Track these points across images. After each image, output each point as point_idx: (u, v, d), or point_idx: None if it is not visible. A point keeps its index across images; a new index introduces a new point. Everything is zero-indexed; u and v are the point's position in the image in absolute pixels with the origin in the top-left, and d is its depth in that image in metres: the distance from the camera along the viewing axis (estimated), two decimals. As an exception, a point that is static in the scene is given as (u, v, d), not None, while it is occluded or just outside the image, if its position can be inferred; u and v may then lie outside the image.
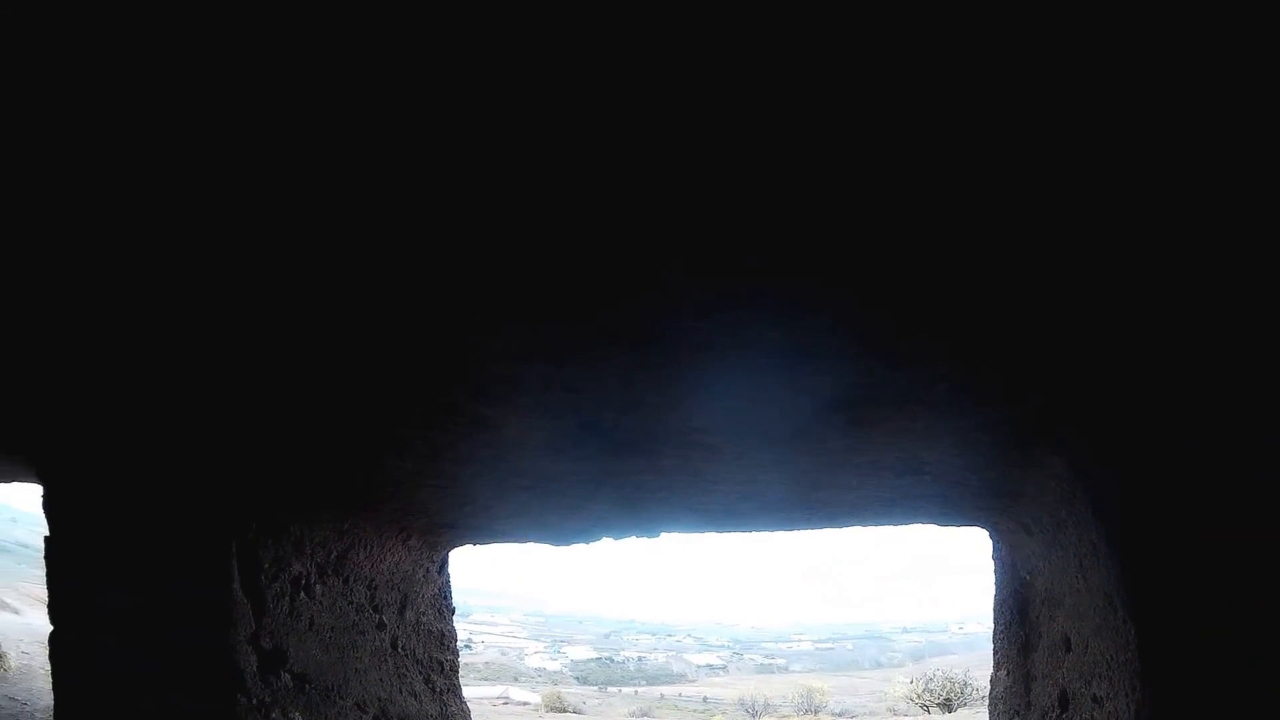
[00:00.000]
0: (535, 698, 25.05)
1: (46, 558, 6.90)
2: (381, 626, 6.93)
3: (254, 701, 6.00)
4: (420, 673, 7.12)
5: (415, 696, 7.02)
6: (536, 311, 3.39)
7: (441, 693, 7.33)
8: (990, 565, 7.52)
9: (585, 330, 3.53)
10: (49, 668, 11.03)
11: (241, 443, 5.59)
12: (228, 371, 4.49)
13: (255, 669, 6.05)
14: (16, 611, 16.32)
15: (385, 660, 6.92)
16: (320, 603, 6.49)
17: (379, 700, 6.76)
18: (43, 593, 13.03)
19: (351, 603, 6.72)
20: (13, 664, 11.71)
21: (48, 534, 6.89)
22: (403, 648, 6.99)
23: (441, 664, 7.37)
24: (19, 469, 9.64)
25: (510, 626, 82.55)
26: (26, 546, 44.48)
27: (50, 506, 6.78)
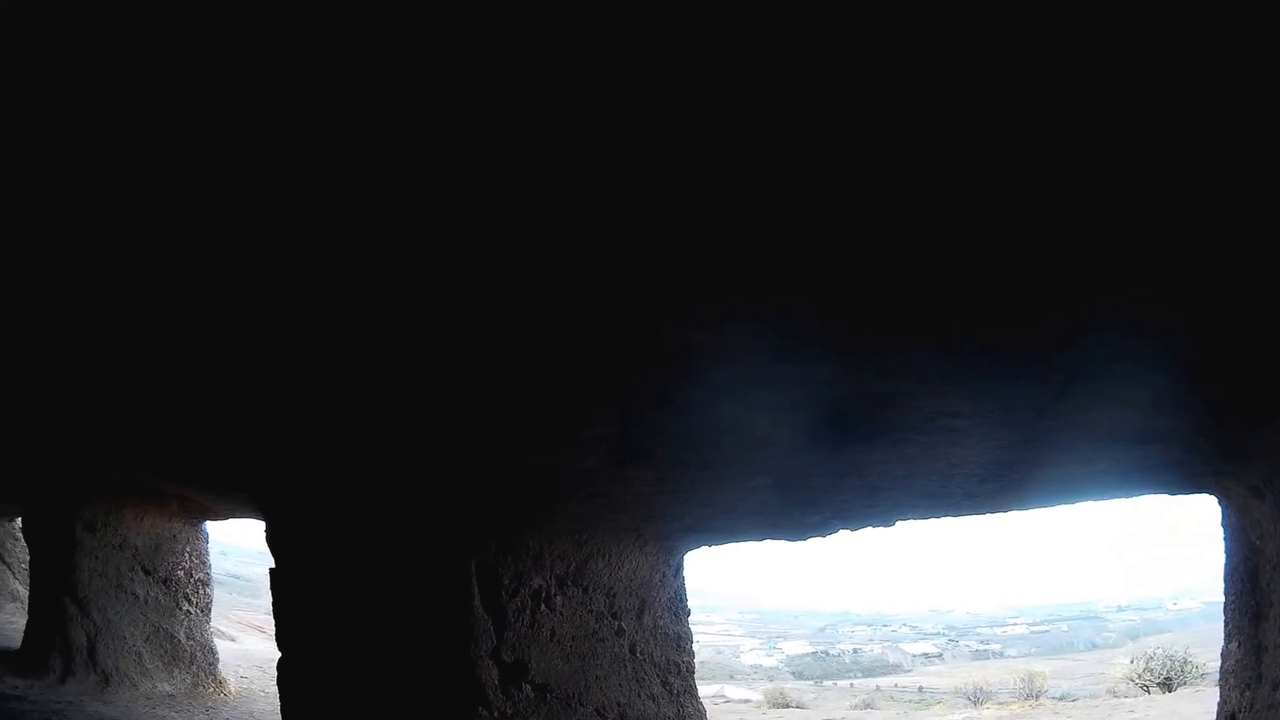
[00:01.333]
0: (753, 695, 25.19)
1: (273, 588, 7.21)
2: (620, 633, 7.05)
3: (495, 714, 6.16)
4: (658, 676, 7.20)
5: (653, 700, 7.11)
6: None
7: (678, 695, 7.40)
8: (1208, 536, 7.30)
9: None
10: (268, 691, 11.50)
11: (481, 472, 5.74)
12: (469, 397, 4.61)
13: (496, 682, 6.21)
14: (233, 639, 17.03)
15: (624, 666, 7.04)
16: (560, 614, 6.63)
17: (618, 705, 6.89)
18: (256, 620, 13.50)
19: (591, 611, 6.85)
20: (233, 689, 12.21)
21: (273, 565, 7.19)
22: (640, 652, 7.07)
23: (678, 666, 7.43)
24: (241, 506, 10.09)
25: (725, 625, 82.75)
26: (237, 578, 46.48)
27: (275, 538, 7.07)
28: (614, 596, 7.06)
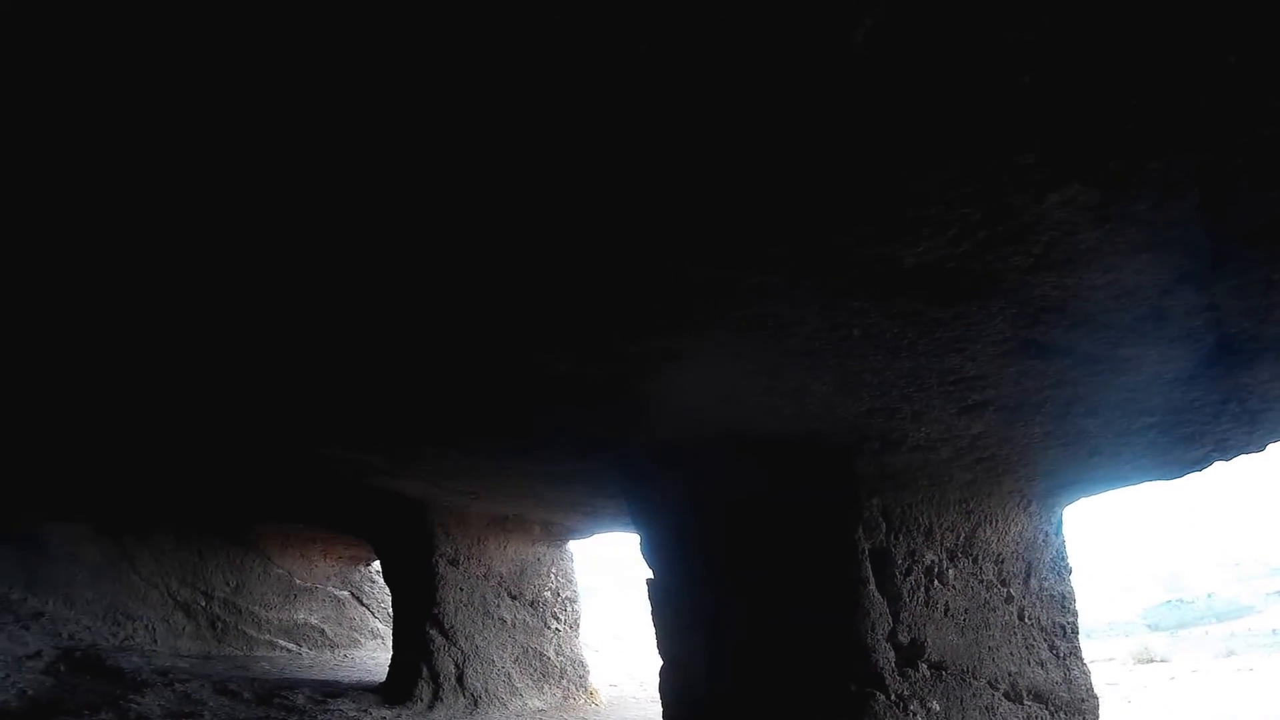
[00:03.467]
0: (1114, 651, 24.53)
1: (650, 597, 7.61)
2: (1009, 600, 7.05)
3: (892, 698, 6.24)
4: (1044, 640, 7.20)
5: (1041, 665, 7.11)
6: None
7: (1064, 658, 7.37)
8: None
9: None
10: (638, 697, 11.97)
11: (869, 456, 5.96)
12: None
13: (893, 665, 6.31)
14: (596, 650, 17.77)
15: (1014, 633, 7.04)
16: (953, 587, 6.70)
17: (1009, 675, 6.88)
18: (615, 629, 13.80)
19: (981, 581, 6.88)
20: (604, 698, 12.77)
21: (650, 576, 7.61)
22: (1028, 617, 7.05)
23: (1063, 628, 7.40)
24: (608, 524, 10.69)
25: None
26: (587, 590, 48.27)
27: (650, 549, 7.53)
28: (1001, 563, 7.07)
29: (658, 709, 7.95)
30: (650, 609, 7.97)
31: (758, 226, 3.44)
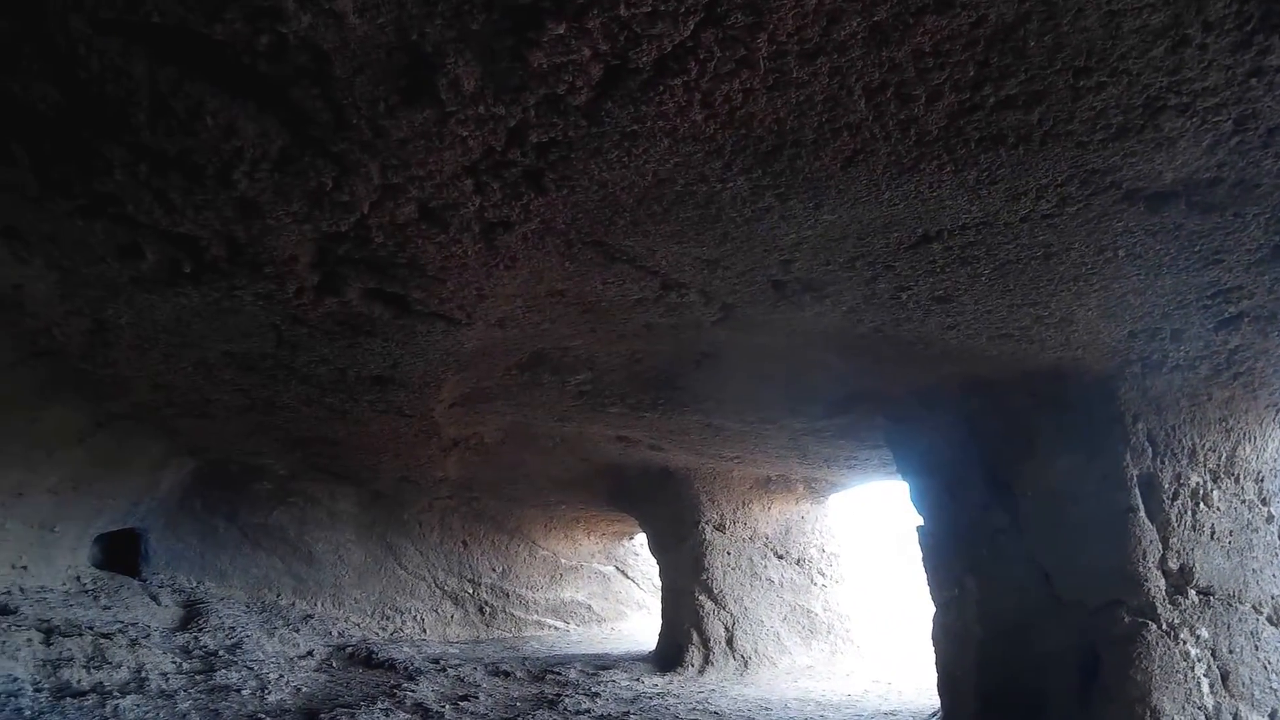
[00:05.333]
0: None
1: (921, 543, 8.08)
2: (1270, 519, 7.02)
3: (1163, 626, 6.36)
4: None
5: (1301, 586, 7.07)
6: None
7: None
8: None
9: None
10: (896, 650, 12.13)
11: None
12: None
13: (1164, 593, 6.44)
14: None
15: (1275, 554, 7.00)
16: (1217, 509, 6.72)
17: (1271, 599, 6.88)
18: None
19: (1243, 501, 6.89)
20: (869, 650, 13.18)
21: (919, 523, 8.07)
22: (1288, 536, 7.23)
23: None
24: (871, 474, 11.04)
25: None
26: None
27: (919, 496, 8.00)
28: (1261, 481, 7.03)
29: (919, 657, 8.30)
30: (920, 555, 8.33)
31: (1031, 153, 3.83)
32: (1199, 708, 6.26)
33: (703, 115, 3.48)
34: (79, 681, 8.80)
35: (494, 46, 3.08)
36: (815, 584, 12.94)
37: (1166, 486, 6.60)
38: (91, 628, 10.04)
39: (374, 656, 12.21)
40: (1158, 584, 6.49)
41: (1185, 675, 6.30)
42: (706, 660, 12.11)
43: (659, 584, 14.07)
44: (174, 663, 10.07)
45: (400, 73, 3.28)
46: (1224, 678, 6.42)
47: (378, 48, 3.13)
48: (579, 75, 3.24)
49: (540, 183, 4.15)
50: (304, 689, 10.24)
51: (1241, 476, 6.95)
